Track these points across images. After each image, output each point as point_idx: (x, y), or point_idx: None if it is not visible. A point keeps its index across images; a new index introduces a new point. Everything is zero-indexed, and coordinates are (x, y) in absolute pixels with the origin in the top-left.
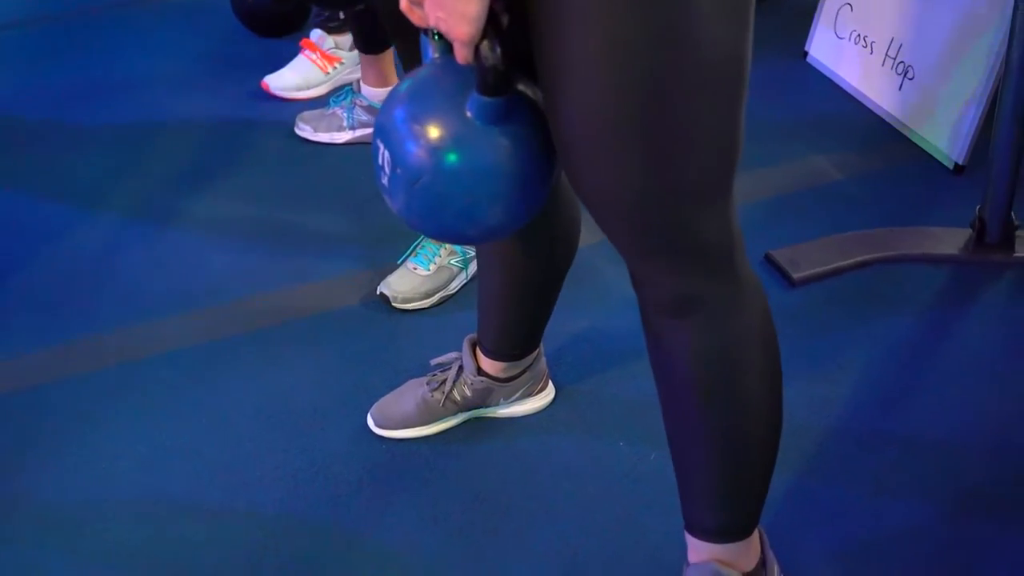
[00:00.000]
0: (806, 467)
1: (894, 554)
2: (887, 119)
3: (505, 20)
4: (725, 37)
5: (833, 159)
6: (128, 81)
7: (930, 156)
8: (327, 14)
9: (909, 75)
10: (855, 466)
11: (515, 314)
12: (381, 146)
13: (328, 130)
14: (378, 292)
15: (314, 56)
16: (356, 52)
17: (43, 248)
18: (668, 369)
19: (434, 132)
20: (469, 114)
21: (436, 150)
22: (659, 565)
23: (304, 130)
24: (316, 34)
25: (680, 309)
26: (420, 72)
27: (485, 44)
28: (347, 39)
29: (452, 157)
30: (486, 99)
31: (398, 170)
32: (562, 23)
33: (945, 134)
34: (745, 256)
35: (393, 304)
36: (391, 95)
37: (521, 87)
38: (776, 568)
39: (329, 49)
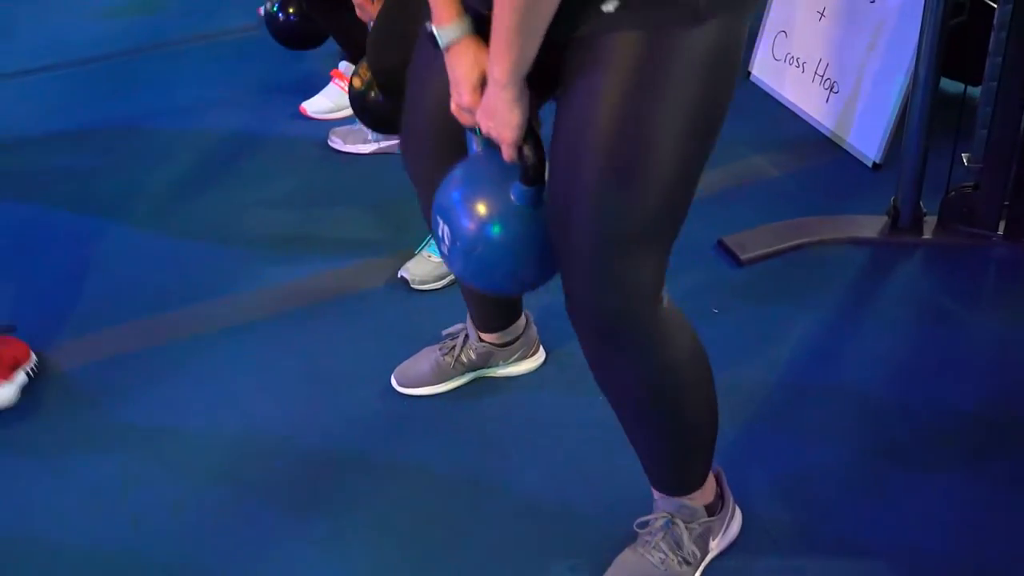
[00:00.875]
0: (753, 415)
1: (819, 486)
2: (817, 127)
3: (539, 126)
4: (717, 108)
5: (773, 160)
6: (189, 105)
7: (853, 157)
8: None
9: (835, 89)
10: (793, 414)
11: (487, 297)
12: (441, 222)
13: (355, 143)
14: (399, 276)
15: (343, 84)
16: None
17: (125, 241)
18: (607, 387)
19: (486, 214)
20: (513, 198)
21: (488, 228)
22: (632, 496)
23: (335, 142)
24: (344, 65)
25: (613, 336)
26: (470, 163)
27: (527, 146)
28: None
29: (501, 233)
30: (527, 188)
31: (457, 243)
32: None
33: (865, 138)
34: (665, 291)
35: (412, 286)
36: (449, 179)
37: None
38: (731, 499)
39: None
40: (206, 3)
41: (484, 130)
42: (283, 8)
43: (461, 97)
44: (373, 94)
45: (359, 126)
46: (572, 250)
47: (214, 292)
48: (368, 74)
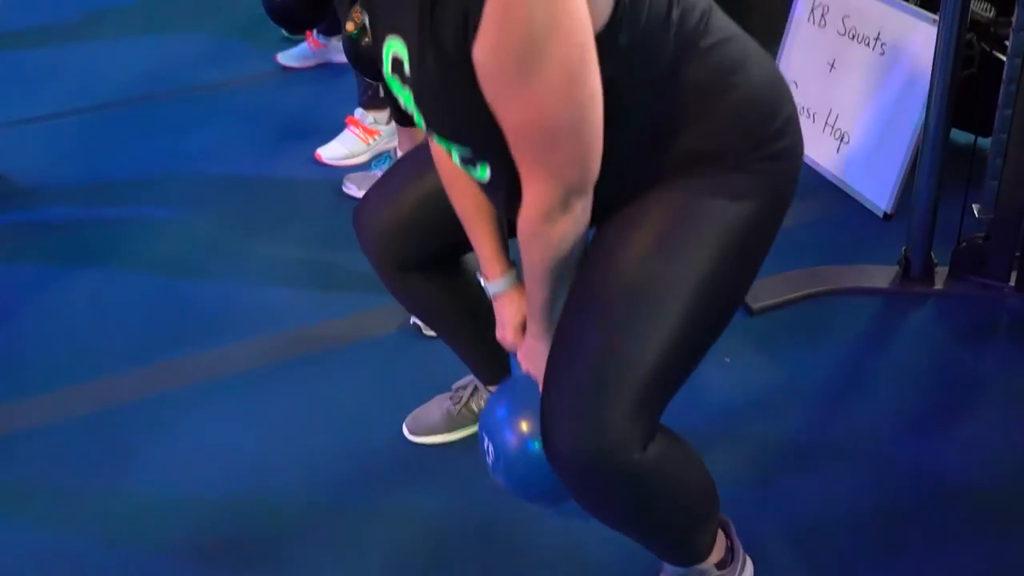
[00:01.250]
0: (765, 466)
1: (831, 538)
2: (828, 176)
3: None
4: (734, 286)
5: None
6: (205, 151)
7: (864, 206)
8: (369, 93)
9: (845, 140)
10: (804, 466)
11: (473, 350)
12: (487, 439)
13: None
14: (411, 323)
15: (357, 131)
16: (392, 126)
17: (137, 284)
18: (592, 512)
19: (526, 437)
20: None
21: (528, 450)
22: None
23: (350, 188)
24: (359, 112)
25: (594, 479)
26: (513, 386)
27: None
28: (384, 114)
29: (540, 456)
30: None
31: (500, 461)
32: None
33: (876, 188)
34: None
35: (423, 333)
36: (494, 399)
37: None
38: (741, 550)
39: (370, 124)
40: (223, 49)
41: (524, 370)
42: None
43: (506, 337)
44: (367, 39)
45: (374, 172)
46: (562, 389)
47: (226, 337)
48: (361, 18)
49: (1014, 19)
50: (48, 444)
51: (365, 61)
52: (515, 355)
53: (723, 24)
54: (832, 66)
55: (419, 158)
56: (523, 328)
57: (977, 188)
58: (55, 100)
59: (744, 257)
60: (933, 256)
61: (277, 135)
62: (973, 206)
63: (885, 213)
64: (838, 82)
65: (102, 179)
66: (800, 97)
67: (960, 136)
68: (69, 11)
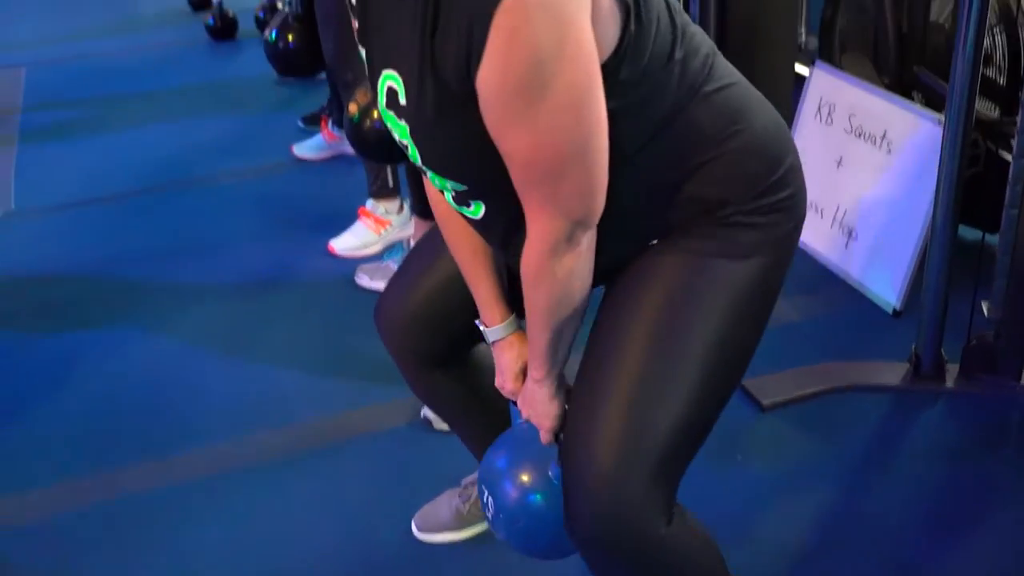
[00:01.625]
0: (776, 567)
1: None
2: (837, 272)
3: None
4: (745, 346)
5: (794, 304)
6: (219, 241)
7: (872, 303)
8: (379, 184)
9: (853, 235)
10: (816, 566)
11: (482, 440)
12: (486, 492)
13: (383, 279)
14: (421, 416)
15: (369, 222)
16: (403, 215)
17: (147, 375)
18: None
19: (527, 490)
20: (551, 477)
21: (529, 503)
22: None
23: (362, 279)
24: (370, 203)
25: (612, 550)
26: (513, 437)
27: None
28: (395, 204)
29: (542, 509)
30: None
31: (500, 514)
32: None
33: (885, 284)
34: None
35: (434, 426)
36: (493, 450)
37: None
38: None
39: (381, 214)
40: (241, 139)
41: (524, 416)
42: (281, 35)
43: (505, 384)
44: (369, 122)
45: (386, 263)
46: (583, 463)
47: (237, 430)
48: (366, 100)
49: (1018, 120)
50: (55, 536)
51: (368, 144)
52: (514, 403)
53: (727, 70)
54: (840, 163)
55: (433, 244)
56: (523, 374)
57: (986, 284)
58: (73, 190)
59: (754, 316)
60: (943, 353)
61: (291, 225)
62: (982, 304)
63: (895, 310)
64: (846, 178)
65: (116, 268)
66: (808, 192)
67: (968, 231)
68: (91, 100)
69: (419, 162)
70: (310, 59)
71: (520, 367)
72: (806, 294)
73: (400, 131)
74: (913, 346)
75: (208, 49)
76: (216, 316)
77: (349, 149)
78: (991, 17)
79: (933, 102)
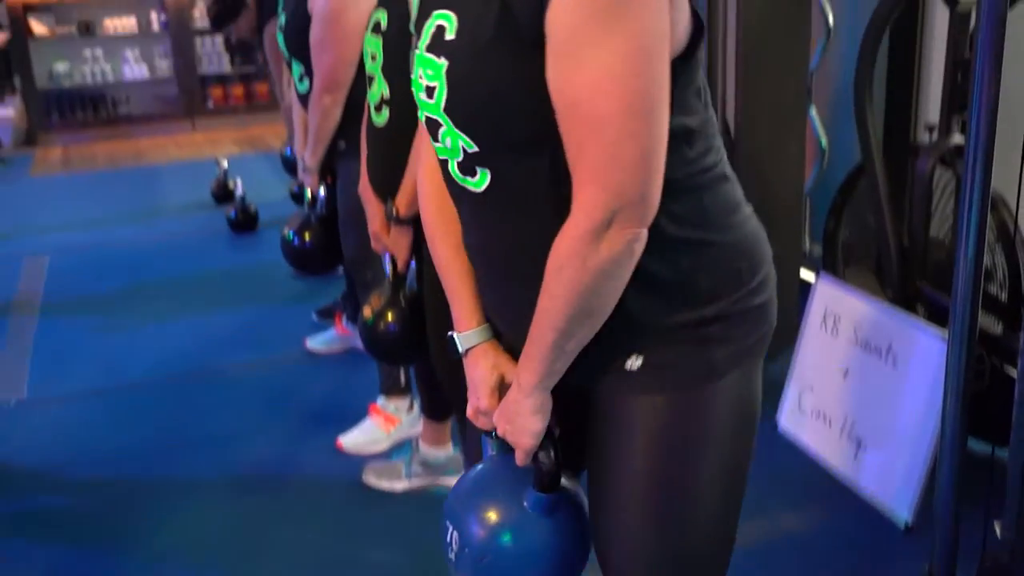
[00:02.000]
0: None
1: None
2: (846, 483)
3: (558, 432)
4: (744, 455)
5: (802, 517)
6: (229, 433)
7: (881, 515)
8: (390, 382)
9: (862, 446)
10: None
11: None
12: (451, 527)
13: (390, 479)
14: None
15: (379, 419)
16: (413, 415)
17: (150, 572)
18: None
19: (497, 521)
20: (526, 505)
21: (499, 536)
22: None
23: (370, 479)
24: (381, 401)
25: None
26: (482, 468)
27: (543, 452)
28: (405, 402)
29: (512, 543)
30: (541, 495)
31: (466, 550)
32: (618, 445)
33: (895, 498)
34: None
35: None
36: (459, 485)
37: (565, 483)
38: None
39: (391, 412)
40: (254, 331)
41: (500, 432)
42: (299, 235)
43: (479, 400)
44: (382, 325)
45: (394, 462)
46: None
47: None
48: (379, 303)
49: (1022, 337)
50: None
51: (380, 347)
52: (487, 435)
53: (729, 170)
54: (846, 374)
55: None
56: (499, 390)
57: (998, 497)
58: (85, 380)
59: (743, 423)
60: (958, 574)
61: (301, 420)
62: (995, 524)
63: (907, 525)
64: (852, 389)
65: (121, 463)
66: (816, 401)
67: (978, 444)
68: (110, 288)
69: (440, 110)
70: (326, 258)
71: (496, 380)
72: (815, 506)
73: (434, 71)
74: (927, 566)
75: (228, 240)
76: (220, 514)
77: (361, 344)
78: (989, 236)
79: (937, 316)
